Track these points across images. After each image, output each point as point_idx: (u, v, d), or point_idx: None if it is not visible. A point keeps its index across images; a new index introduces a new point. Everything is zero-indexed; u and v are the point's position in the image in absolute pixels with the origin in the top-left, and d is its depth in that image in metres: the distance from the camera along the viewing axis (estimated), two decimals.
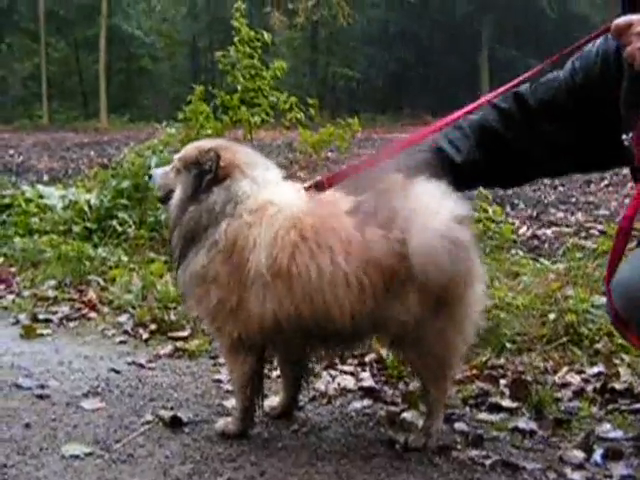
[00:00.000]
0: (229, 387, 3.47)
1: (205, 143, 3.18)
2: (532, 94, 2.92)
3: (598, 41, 2.82)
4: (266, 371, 3.26)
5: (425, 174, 2.70)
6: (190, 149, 3.14)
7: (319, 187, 2.98)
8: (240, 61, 8.22)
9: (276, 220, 2.81)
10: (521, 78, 2.89)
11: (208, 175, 2.95)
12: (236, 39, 8.29)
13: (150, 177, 3.39)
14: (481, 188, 6.75)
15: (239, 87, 8.17)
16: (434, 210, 2.60)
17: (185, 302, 3.35)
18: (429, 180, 2.70)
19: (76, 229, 6.72)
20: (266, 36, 8.51)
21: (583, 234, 7.36)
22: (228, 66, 8.34)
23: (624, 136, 2.67)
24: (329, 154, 11.16)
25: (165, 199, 3.18)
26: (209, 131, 7.27)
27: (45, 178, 12.86)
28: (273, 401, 3.26)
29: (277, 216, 2.82)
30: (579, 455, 2.78)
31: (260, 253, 2.77)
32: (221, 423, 3.09)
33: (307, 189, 2.99)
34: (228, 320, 2.88)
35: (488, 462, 2.74)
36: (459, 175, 2.88)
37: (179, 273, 3.03)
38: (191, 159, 3.04)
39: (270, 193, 2.93)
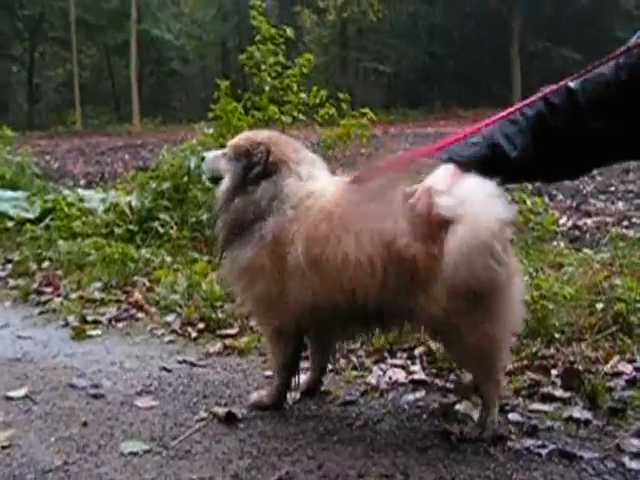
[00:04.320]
0: None
1: (256, 135, 3.27)
2: (582, 90, 2.88)
3: None
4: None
5: (475, 168, 2.70)
6: (242, 139, 3.24)
7: (358, 181, 2.99)
8: (265, 60, 8.11)
9: (311, 214, 2.92)
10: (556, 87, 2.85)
11: (257, 168, 3.06)
12: (257, 38, 8.17)
13: (203, 159, 3.47)
14: None
15: (266, 88, 8.05)
16: (479, 215, 2.55)
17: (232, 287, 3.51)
18: (480, 179, 2.65)
19: (118, 231, 6.79)
20: (289, 31, 8.36)
21: (625, 223, 7.30)
22: (254, 68, 8.23)
23: None
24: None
25: (213, 181, 3.37)
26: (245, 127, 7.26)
27: (82, 182, 13.01)
28: (300, 379, 3.38)
29: (312, 210, 2.93)
30: (637, 444, 2.77)
31: (298, 247, 2.89)
32: (255, 395, 3.31)
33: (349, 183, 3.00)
34: (270, 309, 3.05)
35: (544, 451, 2.74)
36: (512, 170, 2.88)
37: (224, 261, 3.22)
38: (242, 149, 3.15)
39: (309, 188, 3.02)
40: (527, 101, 2.87)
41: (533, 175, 3.18)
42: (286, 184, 3.04)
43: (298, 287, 2.91)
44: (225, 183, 3.16)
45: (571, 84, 2.84)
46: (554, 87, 2.88)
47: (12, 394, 3.56)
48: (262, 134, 3.28)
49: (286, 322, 3.04)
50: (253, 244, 3.02)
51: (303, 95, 8.14)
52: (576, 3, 39.98)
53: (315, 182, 3.07)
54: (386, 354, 3.82)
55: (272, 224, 2.98)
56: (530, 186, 6.96)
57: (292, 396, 3.34)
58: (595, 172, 11.53)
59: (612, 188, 10.23)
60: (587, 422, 2.98)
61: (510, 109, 2.88)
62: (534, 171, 3.02)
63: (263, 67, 8.02)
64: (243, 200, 3.06)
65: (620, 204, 8.85)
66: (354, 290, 2.77)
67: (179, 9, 51.13)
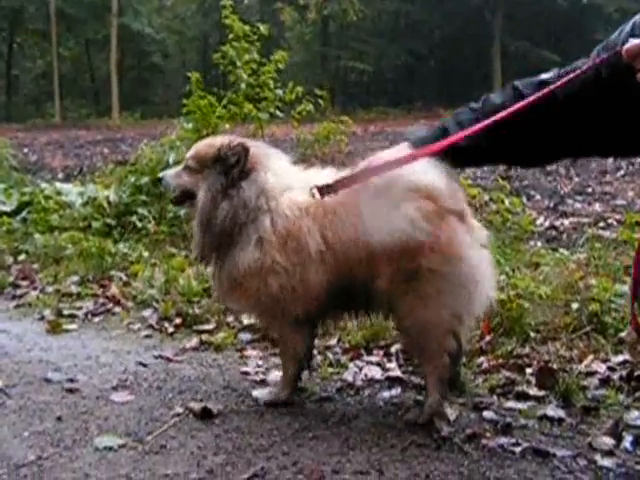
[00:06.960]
0: (256, 378, 3.58)
1: (218, 140, 3.25)
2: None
3: (625, 31, 2.76)
4: None
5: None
6: (204, 147, 3.22)
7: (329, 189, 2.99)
8: (239, 58, 8.04)
9: (314, 212, 3.01)
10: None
11: (235, 169, 3.06)
12: (230, 36, 8.12)
13: (161, 180, 3.37)
14: (500, 180, 6.78)
15: (242, 85, 7.98)
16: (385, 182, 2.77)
17: (228, 297, 3.32)
18: (421, 166, 2.79)
19: (96, 225, 6.77)
20: (262, 28, 8.29)
21: (601, 224, 7.35)
22: (229, 66, 8.16)
23: None
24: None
25: (180, 200, 3.34)
26: (227, 126, 7.25)
27: (60, 176, 12.92)
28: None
29: (313, 209, 3.02)
30: (609, 442, 2.79)
31: (315, 236, 2.97)
32: (265, 393, 3.31)
33: (319, 190, 2.97)
34: (291, 301, 3.05)
35: (518, 449, 2.76)
36: (461, 156, 2.91)
37: (219, 271, 3.15)
38: (211, 156, 3.12)
39: (292, 186, 3.10)
40: (514, 107, 2.83)
41: (488, 161, 3.30)
42: (265, 180, 3.08)
43: (318, 269, 2.97)
44: (204, 194, 3.10)
45: (546, 78, 2.84)
46: (532, 80, 2.88)
47: None
48: (219, 139, 3.26)
49: (308, 306, 3.06)
50: (253, 246, 3.02)
51: (279, 91, 8.12)
52: (556, 6, 40.17)
53: (290, 176, 3.16)
54: (362, 351, 3.84)
55: (271, 224, 3.02)
56: (508, 186, 7.00)
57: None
58: (572, 173, 11.63)
59: (589, 189, 10.29)
60: (561, 420, 3.01)
61: (503, 113, 2.85)
62: (489, 158, 3.07)
63: (238, 64, 7.98)
64: (229, 205, 3.04)
65: (597, 205, 8.90)
66: (357, 268, 2.93)
67: (161, 3, 50.90)
